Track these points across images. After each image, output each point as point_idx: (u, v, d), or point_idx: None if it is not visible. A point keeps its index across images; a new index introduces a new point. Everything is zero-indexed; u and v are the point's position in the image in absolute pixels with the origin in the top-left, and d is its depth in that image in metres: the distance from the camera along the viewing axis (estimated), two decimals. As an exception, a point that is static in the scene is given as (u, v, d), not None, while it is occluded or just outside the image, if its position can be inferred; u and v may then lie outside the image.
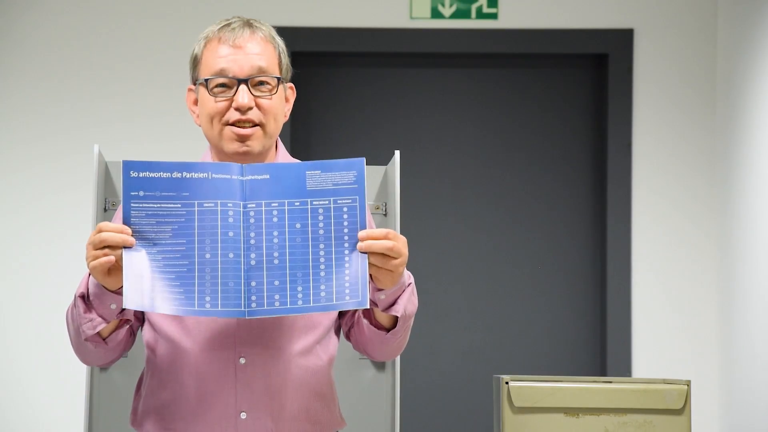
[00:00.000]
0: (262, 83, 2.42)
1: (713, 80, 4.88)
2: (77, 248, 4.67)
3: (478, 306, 4.94)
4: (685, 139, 4.88)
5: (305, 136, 4.95)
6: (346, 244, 2.19)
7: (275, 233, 2.19)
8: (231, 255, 2.18)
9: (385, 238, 2.20)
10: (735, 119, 4.64)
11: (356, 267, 2.19)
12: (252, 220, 2.19)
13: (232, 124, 2.40)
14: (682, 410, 2.53)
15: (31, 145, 4.79)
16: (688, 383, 2.55)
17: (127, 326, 2.36)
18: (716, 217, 4.83)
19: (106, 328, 2.32)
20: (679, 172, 4.87)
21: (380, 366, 3.53)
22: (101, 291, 2.24)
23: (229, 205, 2.19)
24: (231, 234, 2.18)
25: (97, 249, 2.18)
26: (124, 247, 2.17)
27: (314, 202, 2.20)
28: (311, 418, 2.42)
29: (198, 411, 2.37)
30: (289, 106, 2.50)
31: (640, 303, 4.84)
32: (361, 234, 2.20)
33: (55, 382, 4.69)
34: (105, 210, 3.47)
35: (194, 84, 2.47)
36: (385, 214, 3.53)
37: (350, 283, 2.18)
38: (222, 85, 2.41)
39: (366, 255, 2.19)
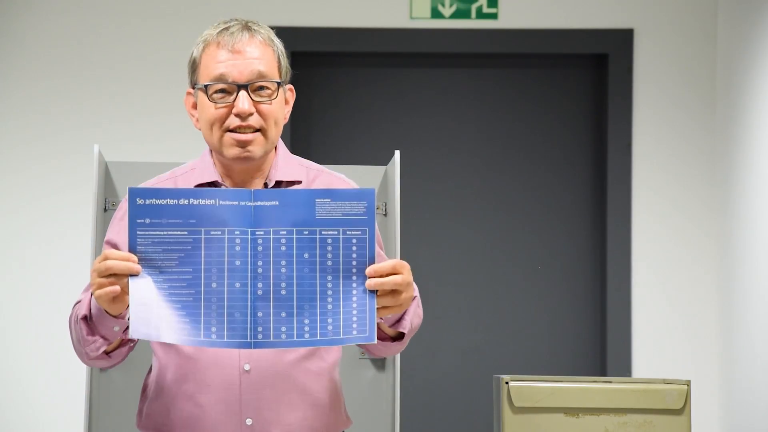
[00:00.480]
0: (262, 88, 2.40)
1: (713, 80, 4.88)
2: (77, 248, 4.67)
3: (478, 306, 4.94)
4: (685, 139, 4.88)
5: (305, 136, 4.95)
6: (354, 277, 2.17)
7: (283, 263, 2.17)
8: (237, 285, 2.16)
9: (393, 271, 2.17)
10: (735, 119, 4.64)
11: (364, 301, 2.16)
12: (260, 248, 2.17)
13: (233, 130, 2.39)
14: (682, 410, 2.53)
15: (31, 145, 4.79)
16: (688, 383, 2.54)
17: (132, 344, 2.35)
18: (716, 217, 4.83)
19: (110, 345, 2.31)
20: (679, 172, 4.87)
21: (380, 366, 3.53)
22: (104, 315, 2.23)
23: (236, 232, 2.16)
24: (238, 263, 2.16)
25: (102, 277, 2.15)
26: (130, 275, 2.14)
27: (323, 232, 2.18)
28: (317, 420, 2.42)
29: (203, 417, 2.37)
30: (289, 108, 2.49)
31: (640, 303, 4.84)
32: (368, 271, 2.17)
33: (55, 382, 4.68)
34: (105, 210, 3.47)
35: (193, 88, 2.45)
36: (385, 214, 3.53)
37: (358, 318, 2.16)
38: (221, 90, 2.39)
39: (375, 292, 2.17)
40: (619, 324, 4.83)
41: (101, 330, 2.26)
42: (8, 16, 4.81)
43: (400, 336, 2.36)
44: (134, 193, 2.16)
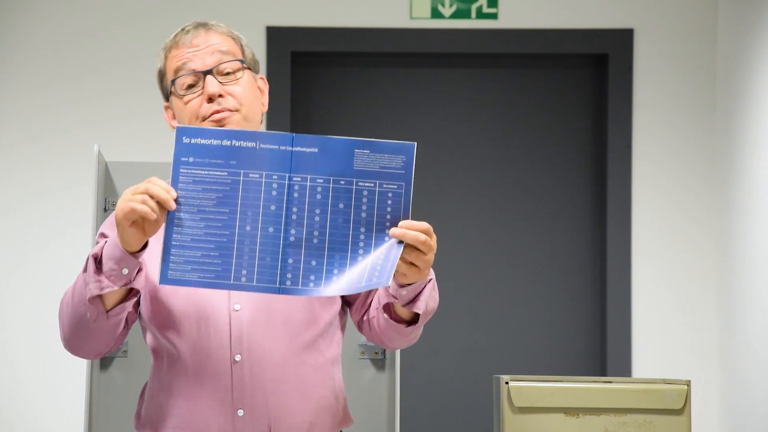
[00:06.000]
0: (228, 74, 2.43)
1: (713, 80, 4.88)
2: (77, 248, 4.67)
3: (478, 306, 4.94)
4: (685, 139, 4.88)
5: (305, 136, 4.95)
6: (387, 231, 2.17)
7: (317, 211, 2.17)
8: (271, 229, 2.16)
9: (424, 231, 2.17)
10: (735, 119, 4.64)
11: (390, 253, 2.16)
12: (296, 195, 2.17)
13: (209, 118, 2.41)
14: (682, 410, 2.53)
15: (31, 144, 4.79)
16: (688, 383, 2.54)
17: (134, 299, 2.30)
18: (716, 217, 4.83)
19: (110, 300, 2.27)
20: (679, 172, 4.87)
21: (380, 366, 3.53)
22: (118, 250, 2.20)
23: (274, 177, 2.17)
24: (273, 208, 2.16)
25: (137, 194, 2.15)
26: (167, 213, 2.14)
27: (359, 183, 2.18)
28: (311, 414, 2.41)
29: (195, 410, 2.37)
30: (265, 98, 2.51)
31: (640, 303, 4.84)
32: (402, 223, 2.16)
33: (55, 382, 4.68)
34: (105, 210, 3.47)
35: (167, 98, 2.49)
36: (385, 214, 3.53)
37: (381, 267, 2.15)
38: (190, 86, 2.42)
39: (402, 244, 2.16)
40: (619, 324, 4.83)
41: (109, 273, 2.22)
42: (8, 16, 4.81)
43: (415, 319, 2.34)
44: (181, 131, 2.20)
